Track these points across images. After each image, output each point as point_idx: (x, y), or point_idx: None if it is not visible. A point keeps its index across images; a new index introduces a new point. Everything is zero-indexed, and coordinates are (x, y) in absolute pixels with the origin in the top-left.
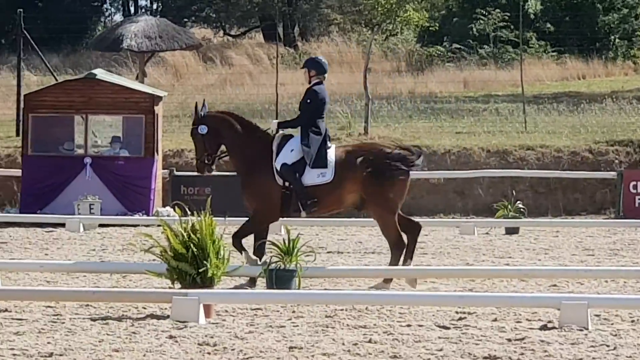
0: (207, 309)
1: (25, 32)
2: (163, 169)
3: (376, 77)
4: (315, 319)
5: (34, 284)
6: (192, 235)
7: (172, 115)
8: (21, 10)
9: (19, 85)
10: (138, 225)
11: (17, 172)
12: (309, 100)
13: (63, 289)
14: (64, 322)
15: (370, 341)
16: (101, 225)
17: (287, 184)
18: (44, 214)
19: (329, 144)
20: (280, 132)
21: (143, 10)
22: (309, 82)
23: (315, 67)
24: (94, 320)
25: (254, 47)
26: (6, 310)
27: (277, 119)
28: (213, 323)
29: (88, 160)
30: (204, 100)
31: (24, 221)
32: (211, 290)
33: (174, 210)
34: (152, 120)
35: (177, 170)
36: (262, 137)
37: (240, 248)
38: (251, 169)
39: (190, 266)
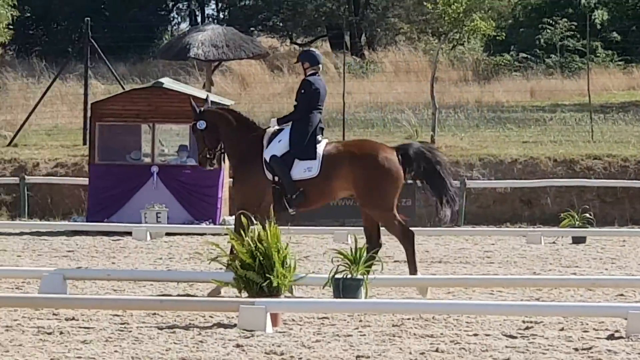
0: (274, 318)
1: (92, 40)
2: (230, 177)
3: (443, 86)
4: (382, 328)
5: (101, 292)
6: (258, 244)
7: None
8: (88, 18)
9: (86, 94)
10: (205, 234)
11: (84, 181)
12: (302, 91)
13: (130, 297)
14: (131, 331)
15: (437, 350)
16: (168, 234)
17: (276, 179)
18: (110, 223)
19: (319, 137)
20: (275, 127)
21: (210, 19)
22: (305, 75)
23: (308, 58)
24: (160, 329)
25: None
26: (73, 318)
27: (344, 128)
28: (280, 332)
29: (155, 168)
30: (207, 96)
31: (90, 230)
32: (278, 299)
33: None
34: None
35: None
36: (256, 132)
37: None
38: (241, 163)
39: (257, 275)
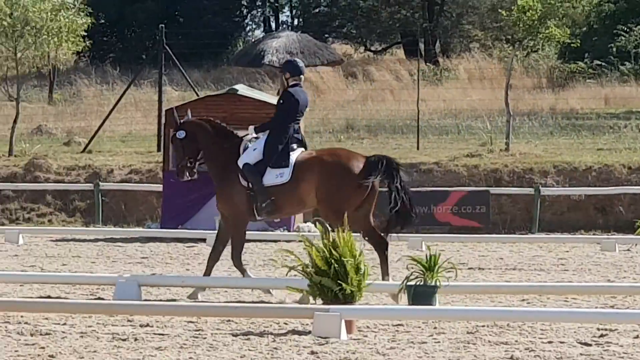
0: (349, 325)
1: (166, 47)
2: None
3: (517, 93)
4: (457, 335)
5: (175, 298)
6: (333, 251)
7: (313, 130)
8: (163, 25)
9: (160, 101)
10: (279, 241)
11: (158, 188)
12: (281, 101)
13: (204, 304)
14: (205, 338)
15: (511, 358)
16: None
17: (250, 184)
18: (184, 229)
19: (294, 146)
20: (252, 135)
21: (284, 25)
22: (287, 85)
23: (289, 69)
24: (235, 335)
25: (394, 63)
26: (148, 325)
27: (418, 135)
28: (354, 339)
29: None
30: (189, 110)
31: (165, 236)
32: (353, 305)
33: (315, 226)
34: None
35: None
36: (234, 141)
37: (241, 269)
38: (220, 172)
39: (332, 282)
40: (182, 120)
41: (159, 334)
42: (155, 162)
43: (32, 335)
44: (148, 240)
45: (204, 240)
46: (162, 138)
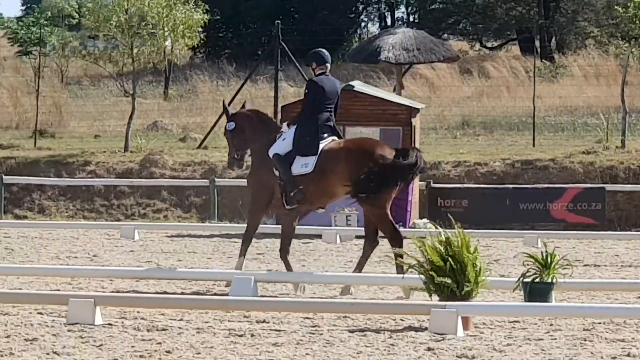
0: (465, 321)
1: (282, 43)
2: (420, 181)
3: (633, 90)
4: (573, 332)
5: (291, 295)
6: (448, 247)
7: (428, 127)
8: (279, 21)
9: (276, 97)
10: None
11: None
12: (307, 91)
13: (321, 300)
14: (322, 334)
15: (629, 355)
16: (357, 237)
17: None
18: (300, 226)
19: (324, 135)
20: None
21: (400, 22)
22: (314, 75)
23: (314, 59)
24: (351, 332)
25: (510, 60)
26: (264, 321)
27: (534, 132)
28: (471, 335)
29: None
30: (244, 102)
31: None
32: (469, 302)
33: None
34: (409, 132)
35: (434, 183)
36: (274, 133)
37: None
38: (256, 161)
39: (448, 279)
40: (232, 112)
41: (276, 330)
42: None
43: (148, 330)
44: (264, 236)
45: (319, 236)
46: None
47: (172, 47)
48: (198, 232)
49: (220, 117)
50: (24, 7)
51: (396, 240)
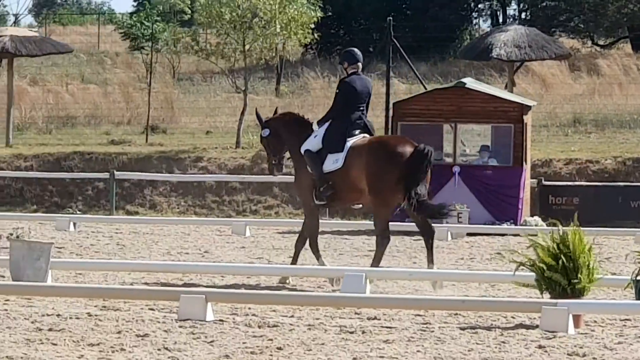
0: (576, 319)
1: (394, 40)
2: (531, 178)
3: None
4: None
5: (402, 292)
6: (562, 246)
7: (540, 124)
8: (391, 18)
9: (387, 94)
10: (506, 235)
11: None
12: (337, 90)
13: (432, 297)
14: (433, 331)
15: None
16: (469, 234)
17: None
18: (411, 222)
19: (356, 131)
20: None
21: (511, 19)
22: (347, 74)
23: (346, 58)
24: (463, 329)
25: (622, 58)
26: (375, 318)
27: None
28: (582, 333)
29: (457, 169)
30: (276, 108)
31: (392, 229)
32: (580, 300)
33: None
34: (521, 130)
35: (545, 180)
36: (308, 131)
37: (317, 255)
38: (297, 164)
39: (560, 276)
40: (265, 119)
41: (387, 327)
42: None
43: (259, 327)
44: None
45: None
46: (390, 131)
47: (284, 44)
48: None
49: None
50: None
51: (382, 243)
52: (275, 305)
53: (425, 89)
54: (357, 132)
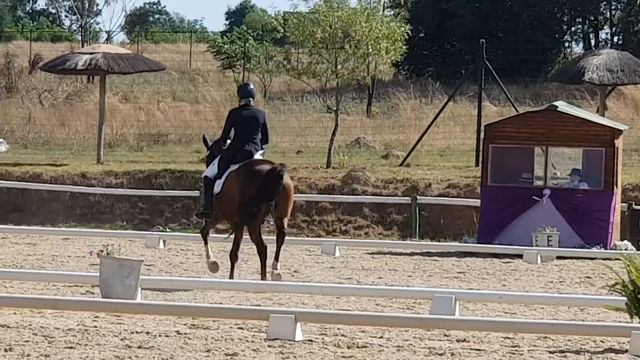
0: None
1: (487, 62)
2: (622, 202)
3: None
4: None
5: (492, 314)
6: None
7: (631, 149)
8: (483, 40)
9: (479, 116)
10: (595, 259)
11: (476, 202)
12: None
13: (522, 320)
14: (522, 354)
15: None
16: (559, 257)
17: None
18: (501, 245)
19: (239, 158)
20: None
21: (603, 42)
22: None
23: (238, 92)
24: (552, 352)
25: None
26: (465, 340)
27: None
28: None
29: (547, 191)
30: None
31: (481, 251)
32: None
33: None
34: (612, 154)
35: (635, 204)
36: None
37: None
38: None
39: None
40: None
41: (476, 350)
42: (473, 176)
43: (348, 347)
44: (464, 254)
45: (520, 256)
46: (481, 153)
47: (375, 63)
48: (399, 249)
49: (423, 135)
50: (228, 22)
51: (262, 253)
52: (364, 325)
53: (517, 111)
54: (241, 160)
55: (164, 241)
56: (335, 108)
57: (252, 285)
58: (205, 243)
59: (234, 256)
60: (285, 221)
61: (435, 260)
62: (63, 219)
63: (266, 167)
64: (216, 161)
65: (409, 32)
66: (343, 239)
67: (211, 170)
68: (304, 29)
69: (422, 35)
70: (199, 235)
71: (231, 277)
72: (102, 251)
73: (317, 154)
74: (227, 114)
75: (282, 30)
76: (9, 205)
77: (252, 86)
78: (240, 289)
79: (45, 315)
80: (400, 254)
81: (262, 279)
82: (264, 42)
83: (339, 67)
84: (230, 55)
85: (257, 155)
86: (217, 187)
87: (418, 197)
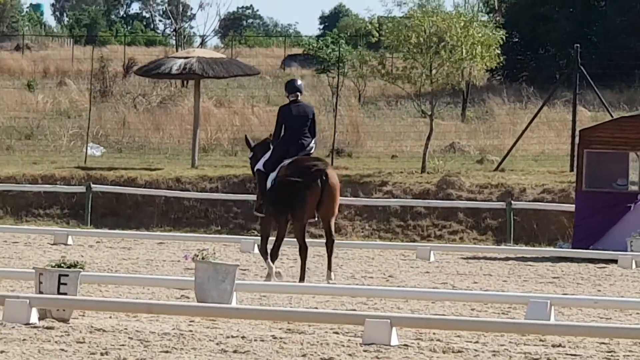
0: None
1: (581, 67)
2: None
3: None
4: None
5: (587, 319)
6: None
7: None
8: (578, 45)
9: (574, 121)
10: None
11: (570, 208)
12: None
13: (617, 325)
14: (617, 359)
15: None
16: None
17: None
18: (595, 250)
19: (292, 154)
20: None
21: None
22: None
23: (285, 88)
24: None
25: None
26: (560, 345)
27: None
28: None
29: None
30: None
31: (576, 256)
32: None
33: None
34: None
35: None
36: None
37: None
38: None
39: None
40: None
41: (571, 355)
42: (568, 182)
43: (444, 352)
44: (559, 260)
45: (615, 261)
46: (576, 158)
47: (470, 68)
48: (494, 254)
49: (518, 140)
50: (322, 26)
51: (303, 252)
52: (459, 330)
53: (612, 116)
54: (294, 153)
55: (258, 245)
56: (429, 113)
57: (348, 289)
58: (266, 258)
59: (274, 254)
60: (333, 223)
61: (530, 265)
62: (158, 223)
63: (313, 163)
64: (267, 155)
65: (504, 37)
66: (438, 244)
67: (262, 163)
68: (399, 33)
69: (516, 40)
70: (294, 239)
71: (268, 276)
72: (197, 255)
73: (411, 159)
74: (277, 111)
75: (377, 35)
76: (104, 209)
77: (299, 82)
78: (335, 293)
79: (141, 319)
80: (495, 258)
81: (299, 281)
82: (358, 47)
83: (434, 72)
84: (324, 60)
85: (309, 149)
86: (270, 181)
87: (512, 202)
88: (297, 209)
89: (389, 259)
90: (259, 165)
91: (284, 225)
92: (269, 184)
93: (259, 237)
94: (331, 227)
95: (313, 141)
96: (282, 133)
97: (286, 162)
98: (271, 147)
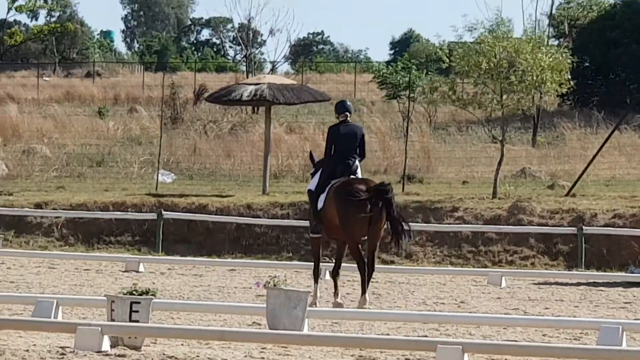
0: None
1: None
2: None
3: None
4: None
5: None
6: None
7: None
8: None
9: None
10: None
11: (639, 232)
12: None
13: None
14: None
15: None
16: None
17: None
18: None
19: (340, 173)
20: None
21: None
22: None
23: (335, 109)
24: None
25: None
26: None
27: None
28: None
29: None
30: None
31: None
32: None
33: None
34: None
35: None
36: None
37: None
38: None
39: None
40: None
41: None
42: (639, 207)
43: None
44: (631, 285)
45: None
46: None
47: (540, 94)
48: (565, 279)
49: (589, 165)
50: (392, 52)
51: (363, 268)
52: (531, 356)
53: None
54: (340, 174)
55: (329, 272)
56: (500, 138)
57: (420, 316)
58: (316, 281)
59: (335, 274)
60: (377, 245)
61: (602, 290)
62: (229, 250)
63: (362, 187)
64: (318, 175)
65: (574, 62)
66: (509, 270)
67: (313, 183)
68: (470, 59)
69: (586, 64)
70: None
71: (335, 294)
72: (268, 282)
73: (482, 184)
74: (327, 131)
75: (448, 61)
76: (176, 236)
77: (348, 103)
78: (407, 319)
79: (213, 346)
80: (566, 284)
81: (361, 295)
82: (428, 72)
83: (504, 97)
84: (395, 85)
85: (354, 169)
86: (320, 202)
87: (584, 227)
88: (348, 229)
89: (460, 285)
90: (310, 186)
91: (342, 245)
92: (319, 205)
93: (332, 264)
94: (375, 249)
95: (358, 161)
96: (332, 153)
97: (334, 182)
98: (320, 167)
